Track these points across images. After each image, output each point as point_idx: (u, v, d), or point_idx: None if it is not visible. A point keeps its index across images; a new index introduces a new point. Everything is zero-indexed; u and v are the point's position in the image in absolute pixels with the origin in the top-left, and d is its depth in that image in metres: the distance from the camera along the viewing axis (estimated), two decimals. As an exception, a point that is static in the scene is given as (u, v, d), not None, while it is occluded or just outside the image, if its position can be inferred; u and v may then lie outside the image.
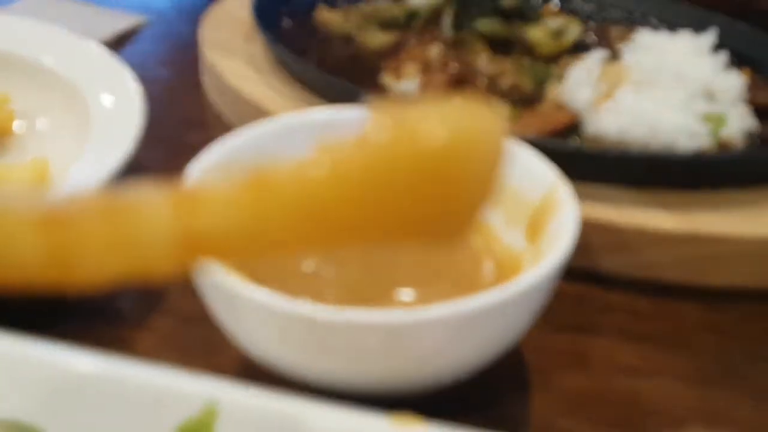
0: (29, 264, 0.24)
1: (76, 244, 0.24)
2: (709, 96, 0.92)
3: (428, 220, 0.24)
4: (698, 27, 1.02)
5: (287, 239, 0.25)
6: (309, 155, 0.24)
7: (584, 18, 1.15)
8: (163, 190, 0.25)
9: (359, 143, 0.24)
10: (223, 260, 0.25)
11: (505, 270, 0.71)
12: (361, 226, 0.24)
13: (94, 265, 0.25)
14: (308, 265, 0.70)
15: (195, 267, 0.25)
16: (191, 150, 0.73)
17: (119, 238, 0.24)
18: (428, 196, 0.24)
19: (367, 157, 0.24)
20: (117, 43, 1.22)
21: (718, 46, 0.98)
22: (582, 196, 0.71)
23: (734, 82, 0.93)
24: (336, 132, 0.25)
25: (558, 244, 0.64)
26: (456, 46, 1.05)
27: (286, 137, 0.75)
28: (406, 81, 1.00)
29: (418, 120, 0.24)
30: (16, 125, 0.95)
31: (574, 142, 0.91)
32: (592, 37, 1.11)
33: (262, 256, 0.25)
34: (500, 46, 1.06)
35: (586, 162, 0.83)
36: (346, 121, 0.77)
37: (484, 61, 1.02)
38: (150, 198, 0.25)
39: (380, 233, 0.25)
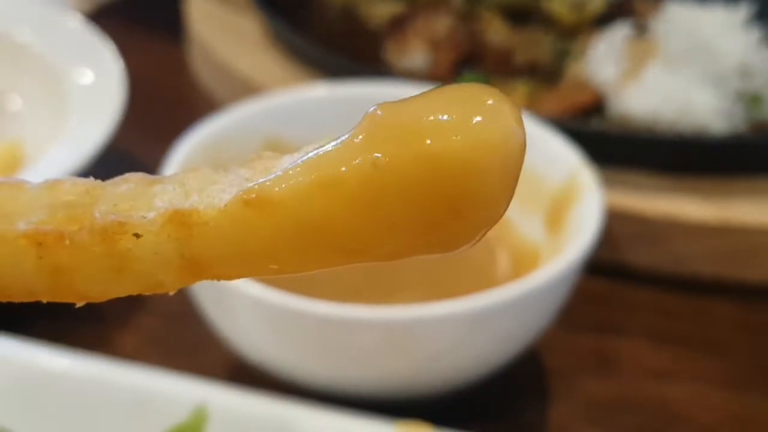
0: (29, 284, 0.25)
1: (73, 266, 0.25)
2: (744, 73, 0.92)
3: (434, 230, 0.25)
4: (732, -1, 1.02)
5: (293, 258, 0.25)
6: (307, 163, 0.25)
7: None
8: (154, 209, 0.25)
9: (361, 149, 0.24)
10: (228, 279, 0.26)
11: (522, 263, 0.70)
12: (369, 240, 0.25)
13: (95, 285, 0.25)
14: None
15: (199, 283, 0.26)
16: (176, 129, 0.73)
17: (116, 261, 0.25)
18: (436, 209, 0.24)
19: (371, 166, 0.24)
20: (95, 15, 1.22)
21: (754, 20, 0.98)
22: (606, 182, 0.71)
23: (772, 59, 0.93)
24: (336, 125, 0.25)
25: (580, 235, 0.64)
26: (467, 18, 1.04)
27: (281, 117, 0.75)
28: (412, 57, 1.00)
29: (428, 124, 0.24)
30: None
31: (597, 124, 0.90)
32: (617, 9, 1.10)
33: (268, 275, 0.26)
34: (516, 17, 1.05)
35: (611, 145, 0.83)
36: (345, 99, 0.76)
37: (497, 35, 1.02)
38: (142, 219, 0.25)
39: (387, 248, 0.25)
